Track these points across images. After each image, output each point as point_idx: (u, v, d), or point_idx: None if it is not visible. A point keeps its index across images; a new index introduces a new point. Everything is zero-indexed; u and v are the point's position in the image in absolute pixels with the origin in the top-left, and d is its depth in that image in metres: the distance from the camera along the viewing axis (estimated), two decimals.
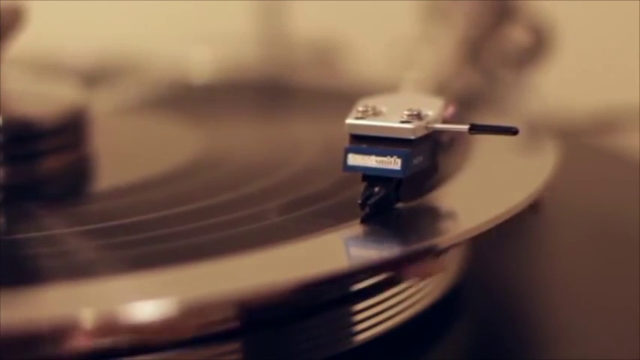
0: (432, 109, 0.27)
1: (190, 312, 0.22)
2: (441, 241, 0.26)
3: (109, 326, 0.22)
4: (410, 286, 0.28)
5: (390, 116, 0.27)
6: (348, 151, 0.27)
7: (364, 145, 0.27)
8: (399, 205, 0.27)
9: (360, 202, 0.27)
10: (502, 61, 0.44)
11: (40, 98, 0.36)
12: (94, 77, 0.46)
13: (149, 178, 0.33)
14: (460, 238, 0.26)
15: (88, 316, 0.22)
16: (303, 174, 0.33)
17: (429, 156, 0.27)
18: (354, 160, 0.27)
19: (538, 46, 0.44)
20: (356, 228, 0.26)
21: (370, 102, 0.28)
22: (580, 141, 0.48)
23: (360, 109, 0.27)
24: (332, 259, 0.25)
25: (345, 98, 0.29)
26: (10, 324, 0.21)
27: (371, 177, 0.27)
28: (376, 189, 0.27)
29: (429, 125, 0.27)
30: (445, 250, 0.26)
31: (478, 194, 0.29)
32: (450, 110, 0.28)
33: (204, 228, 0.28)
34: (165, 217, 0.29)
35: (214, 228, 0.27)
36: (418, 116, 0.27)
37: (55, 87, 0.38)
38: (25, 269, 0.26)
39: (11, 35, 0.35)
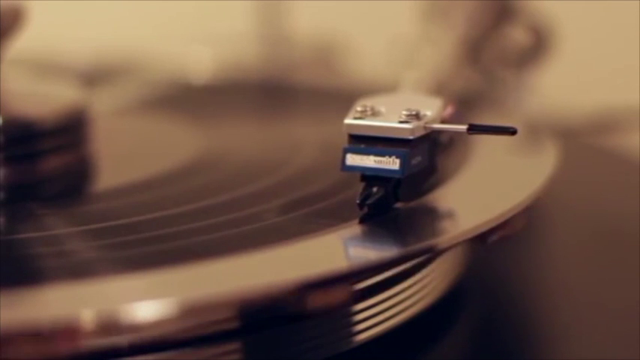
0: (431, 109, 0.27)
1: (190, 312, 0.22)
2: (440, 241, 0.26)
3: (109, 326, 0.22)
4: (410, 286, 0.28)
5: (388, 116, 0.27)
6: (346, 151, 0.27)
7: (362, 145, 0.27)
8: (398, 205, 0.27)
9: (358, 202, 0.27)
10: (502, 61, 0.44)
11: (40, 98, 0.36)
12: (94, 77, 0.46)
13: (149, 178, 0.33)
14: (459, 238, 0.26)
15: (88, 316, 0.22)
16: (302, 174, 0.33)
17: (427, 156, 0.27)
18: (353, 160, 0.27)
19: (538, 46, 0.44)
20: (355, 228, 0.26)
21: (369, 102, 0.28)
22: (580, 141, 0.48)
23: (359, 109, 0.27)
24: (331, 260, 0.25)
25: (345, 98, 0.29)
26: (11, 324, 0.21)
27: (369, 177, 0.27)
28: (375, 189, 0.27)
29: (428, 125, 0.27)
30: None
31: (477, 194, 0.29)
32: (449, 110, 0.28)
33: (204, 228, 0.28)
34: (165, 217, 0.29)
35: (214, 228, 0.27)
36: (417, 116, 0.27)
37: (55, 87, 0.38)
38: (25, 269, 0.26)
39: (11, 35, 0.35)
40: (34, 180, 0.34)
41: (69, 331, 0.22)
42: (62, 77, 0.42)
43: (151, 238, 0.27)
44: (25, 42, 0.36)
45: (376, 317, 0.28)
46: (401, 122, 0.27)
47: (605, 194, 0.41)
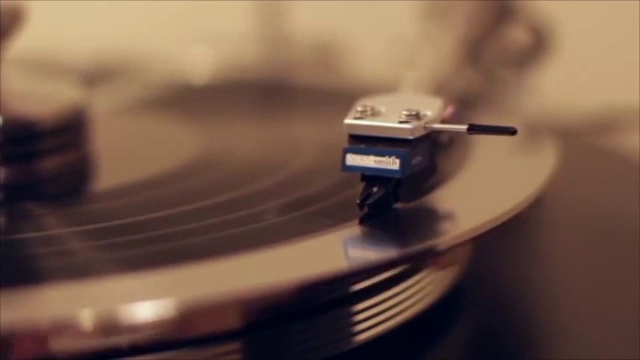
0: (431, 109, 0.27)
1: (190, 312, 0.22)
2: (440, 241, 0.26)
3: (109, 326, 0.22)
4: (410, 286, 0.28)
5: (388, 116, 0.27)
6: (346, 151, 0.27)
7: (363, 145, 0.27)
8: (398, 205, 0.27)
9: (358, 202, 0.27)
10: (502, 61, 0.44)
11: (40, 98, 0.36)
12: (94, 77, 0.46)
13: (149, 178, 0.33)
14: (460, 238, 0.26)
15: (88, 316, 0.22)
16: (302, 174, 0.33)
17: (427, 156, 0.27)
18: (353, 160, 0.27)
19: (538, 46, 0.44)
20: (355, 228, 0.26)
21: (369, 102, 0.28)
22: (580, 141, 0.48)
23: (359, 109, 0.27)
24: (331, 260, 0.25)
25: (345, 98, 0.29)
26: (11, 324, 0.21)
27: (370, 177, 0.27)
28: (375, 189, 0.27)
29: (428, 125, 0.27)
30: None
31: (478, 195, 0.29)
32: (449, 110, 0.28)
33: (204, 228, 0.28)
34: (166, 217, 0.29)
35: (214, 228, 0.27)
36: (417, 116, 0.27)
37: (55, 87, 0.38)
38: (25, 269, 0.26)
39: (11, 35, 0.35)
40: (33, 180, 0.34)
41: (68, 331, 0.22)
42: (62, 77, 0.42)
43: (150, 238, 0.27)
44: (25, 42, 0.36)
45: (376, 317, 0.28)
46: (401, 122, 0.27)
47: (605, 194, 0.41)
